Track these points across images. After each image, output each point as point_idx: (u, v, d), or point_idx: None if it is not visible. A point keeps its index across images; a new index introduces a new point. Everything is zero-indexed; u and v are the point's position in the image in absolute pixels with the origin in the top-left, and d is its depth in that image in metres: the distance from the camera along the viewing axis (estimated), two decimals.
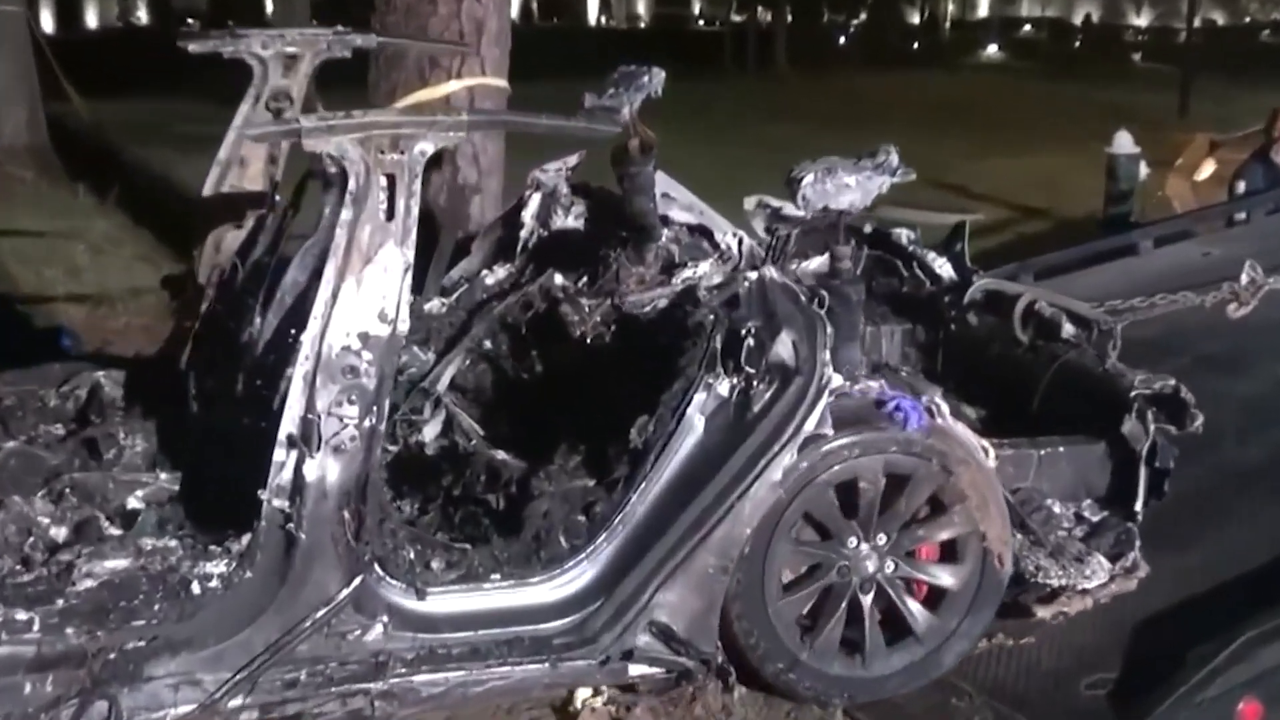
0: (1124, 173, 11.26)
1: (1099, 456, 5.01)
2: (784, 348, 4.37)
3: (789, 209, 5.91)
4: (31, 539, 4.23)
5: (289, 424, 4.02)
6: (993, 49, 43.45)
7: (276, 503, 4.04)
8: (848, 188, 4.64)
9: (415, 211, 4.06)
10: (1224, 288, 5.96)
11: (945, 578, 4.66)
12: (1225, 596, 5.05)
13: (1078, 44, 47.20)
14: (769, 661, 4.52)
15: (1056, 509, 4.95)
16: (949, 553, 4.68)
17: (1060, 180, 13.97)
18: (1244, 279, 5.92)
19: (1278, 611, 4.64)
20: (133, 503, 4.60)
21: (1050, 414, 5.23)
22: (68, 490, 4.55)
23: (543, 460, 4.76)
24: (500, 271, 5.79)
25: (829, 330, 4.38)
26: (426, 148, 4.07)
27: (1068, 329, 5.35)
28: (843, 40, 47.54)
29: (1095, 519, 4.99)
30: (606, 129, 4.52)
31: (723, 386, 4.39)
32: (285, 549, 4.06)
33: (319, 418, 4.01)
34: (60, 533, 4.32)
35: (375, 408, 4.06)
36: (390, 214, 4.03)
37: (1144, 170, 11.42)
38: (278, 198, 5.42)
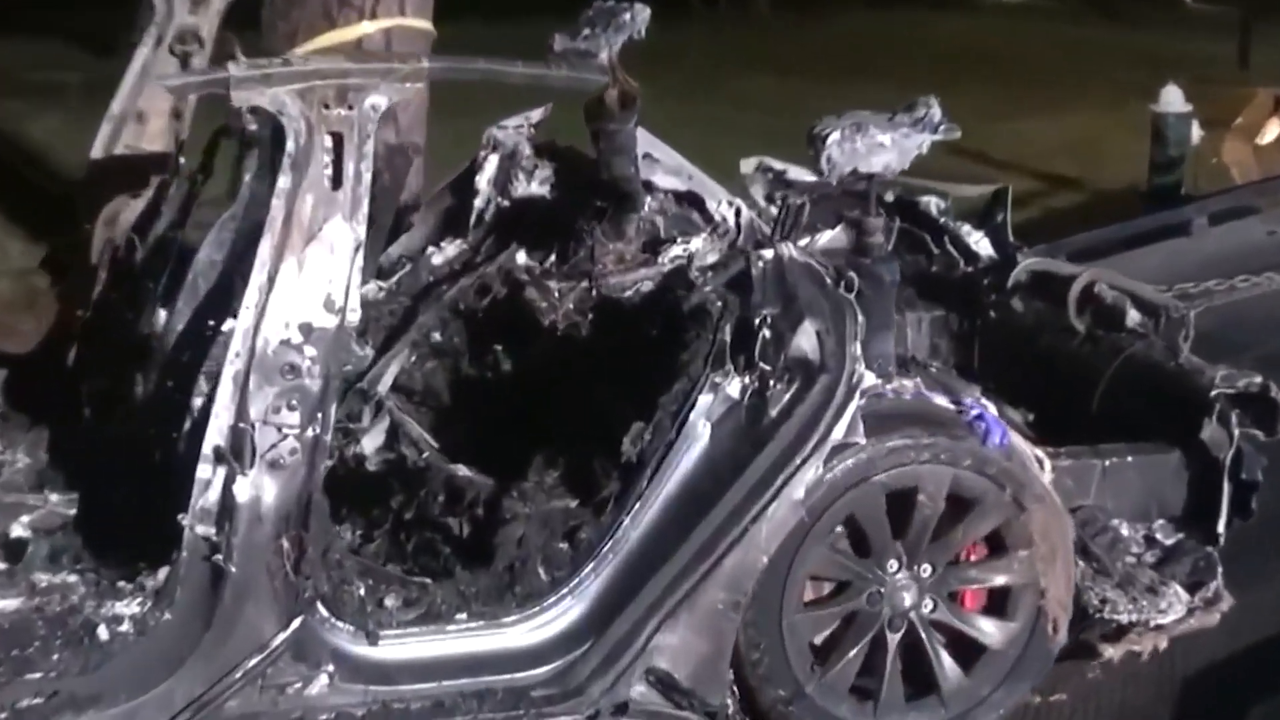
0: (1173, 135, 11.10)
1: (1173, 468, 5.08)
2: (807, 340, 4.41)
3: (795, 173, 5.99)
4: None
5: (216, 435, 4.02)
6: None
7: (201, 529, 4.04)
8: (882, 147, 4.66)
9: (367, 178, 4.08)
10: None
11: (989, 633, 4.72)
12: None
13: None
14: (770, 686, 4.56)
15: (1124, 530, 5.02)
16: (997, 605, 4.75)
17: (1097, 144, 13.96)
18: None
19: None
20: (17, 530, 4.62)
21: (1112, 416, 5.30)
22: None
23: (513, 476, 4.79)
24: (450, 249, 5.79)
25: (860, 319, 4.42)
26: (379, 101, 4.08)
27: (1133, 316, 5.42)
28: None
29: (1169, 542, 5.06)
30: (593, 78, 4.54)
31: (733, 387, 4.43)
32: (212, 585, 4.06)
33: (252, 427, 4.01)
34: None
35: (320, 414, 4.08)
36: (337, 181, 4.03)
37: (1196, 132, 11.37)
38: (183, 160, 5.43)
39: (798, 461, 4.35)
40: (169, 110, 5.41)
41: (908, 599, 4.62)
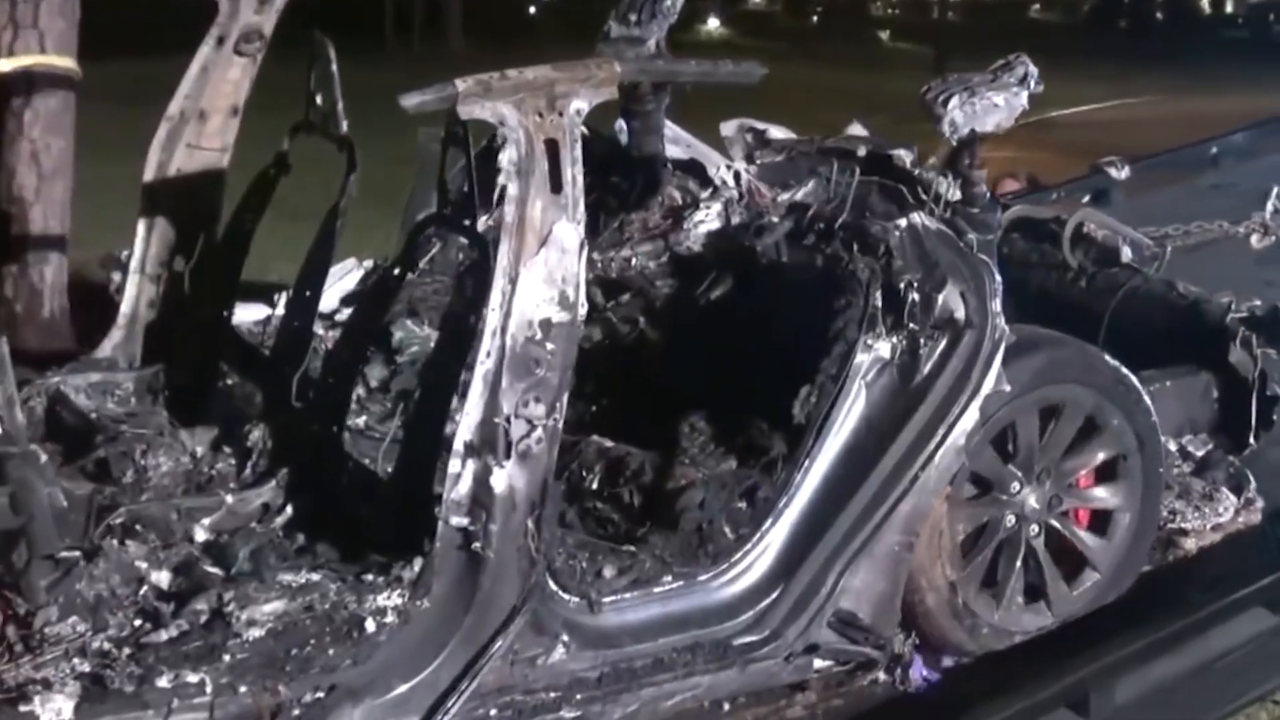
0: None
1: (1202, 388, 5.75)
2: (953, 300, 4.89)
3: (775, 132, 6.42)
4: (144, 589, 4.35)
5: (466, 431, 4.27)
6: (714, 24, 43.42)
7: (455, 520, 4.29)
8: (996, 107, 5.15)
9: (581, 180, 4.36)
10: (1254, 218, 6.86)
11: (1107, 497, 5.34)
12: None
13: (816, 19, 47.80)
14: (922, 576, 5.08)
15: (1171, 446, 5.67)
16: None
17: None
18: (1269, 210, 6.85)
19: None
20: (200, 533, 4.70)
21: (1118, 345, 5.91)
22: (136, 526, 4.62)
23: (646, 443, 5.15)
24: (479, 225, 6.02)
25: (998, 279, 4.93)
26: (581, 106, 4.36)
27: (1126, 253, 6.07)
28: (533, 9, 45.95)
29: (1199, 453, 5.74)
30: (752, 71, 4.83)
31: (883, 347, 4.89)
32: (469, 571, 4.32)
33: (507, 421, 4.28)
34: (162, 578, 4.43)
35: (558, 404, 4.36)
36: (557, 185, 4.31)
37: None
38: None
39: (956, 412, 4.85)
40: (228, 108, 5.51)
41: (1037, 501, 5.20)
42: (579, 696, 4.54)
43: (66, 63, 6.93)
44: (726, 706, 4.80)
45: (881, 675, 4.95)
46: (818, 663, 4.89)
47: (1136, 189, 8.38)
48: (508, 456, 4.29)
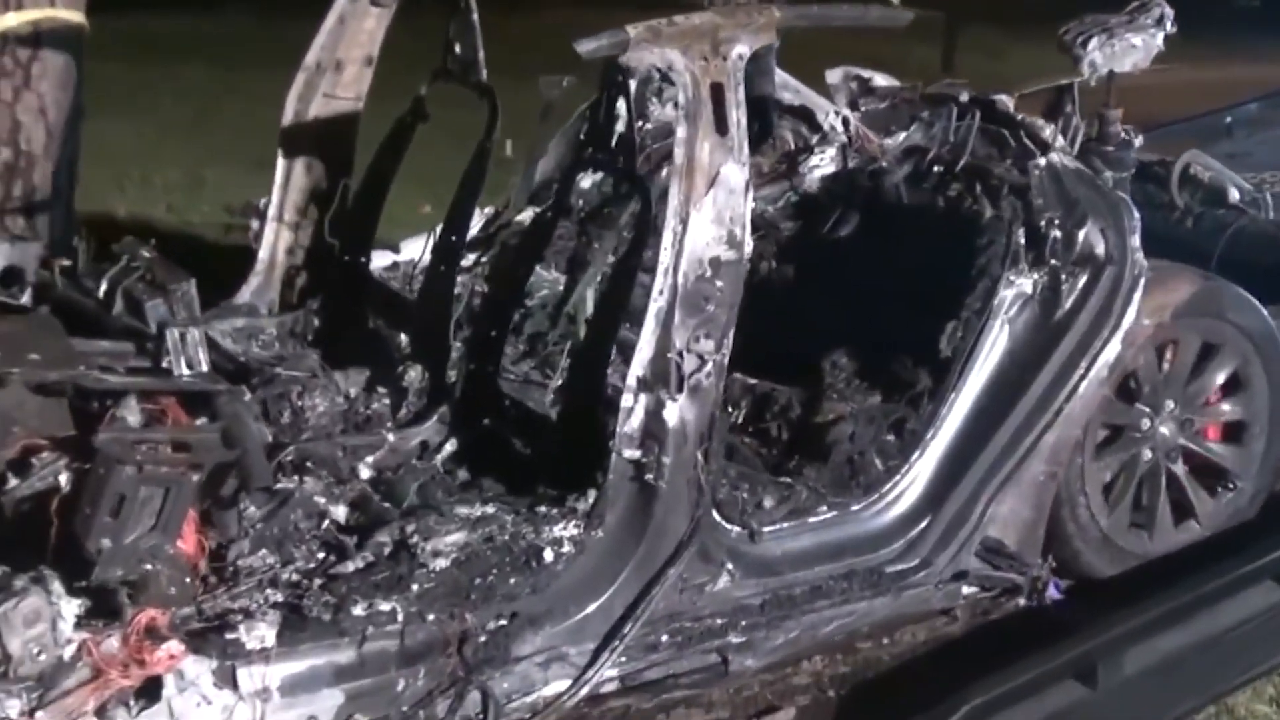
0: None
1: None
2: (1094, 236, 5.01)
3: (879, 79, 6.53)
4: (325, 523, 4.46)
5: (639, 366, 4.39)
6: None
7: (628, 453, 4.41)
8: (1133, 48, 5.27)
9: (744, 122, 4.47)
10: None
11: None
12: None
13: None
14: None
15: None
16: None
17: None
18: None
19: None
20: (364, 471, 4.80)
21: None
22: (307, 464, 4.73)
23: (782, 378, 5.28)
24: (596, 173, 6.12)
25: (1135, 215, 5.05)
26: (743, 50, 4.47)
27: (1233, 193, 6.18)
28: None
29: None
30: (900, 17, 4.94)
31: (1025, 284, 5.01)
32: (641, 502, 4.44)
33: (680, 356, 4.40)
34: (339, 512, 4.54)
35: (726, 340, 4.48)
36: (723, 127, 4.41)
37: None
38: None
39: (1098, 345, 4.98)
40: (363, 58, 5.61)
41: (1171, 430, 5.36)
42: (744, 623, 4.68)
43: (75, 17, 6.78)
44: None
45: (1023, 601, 5.05)
46: (965, 589, 5.00)
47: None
48: (679, 390, 4.41)
